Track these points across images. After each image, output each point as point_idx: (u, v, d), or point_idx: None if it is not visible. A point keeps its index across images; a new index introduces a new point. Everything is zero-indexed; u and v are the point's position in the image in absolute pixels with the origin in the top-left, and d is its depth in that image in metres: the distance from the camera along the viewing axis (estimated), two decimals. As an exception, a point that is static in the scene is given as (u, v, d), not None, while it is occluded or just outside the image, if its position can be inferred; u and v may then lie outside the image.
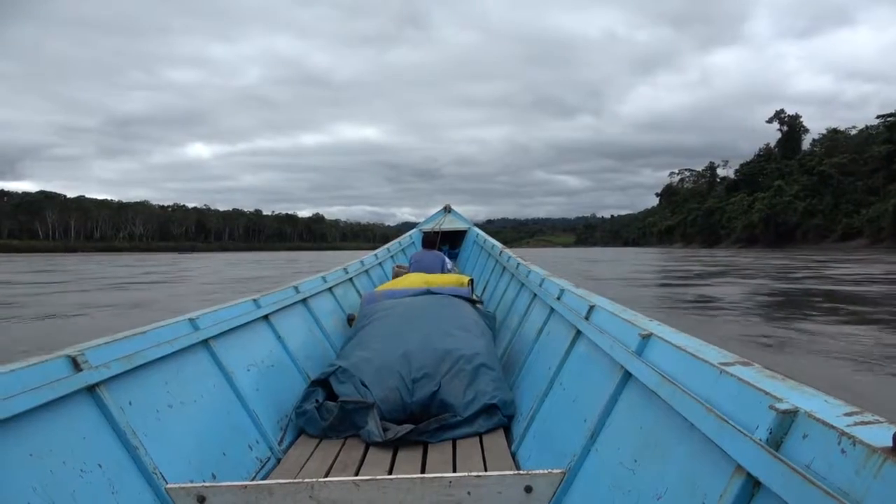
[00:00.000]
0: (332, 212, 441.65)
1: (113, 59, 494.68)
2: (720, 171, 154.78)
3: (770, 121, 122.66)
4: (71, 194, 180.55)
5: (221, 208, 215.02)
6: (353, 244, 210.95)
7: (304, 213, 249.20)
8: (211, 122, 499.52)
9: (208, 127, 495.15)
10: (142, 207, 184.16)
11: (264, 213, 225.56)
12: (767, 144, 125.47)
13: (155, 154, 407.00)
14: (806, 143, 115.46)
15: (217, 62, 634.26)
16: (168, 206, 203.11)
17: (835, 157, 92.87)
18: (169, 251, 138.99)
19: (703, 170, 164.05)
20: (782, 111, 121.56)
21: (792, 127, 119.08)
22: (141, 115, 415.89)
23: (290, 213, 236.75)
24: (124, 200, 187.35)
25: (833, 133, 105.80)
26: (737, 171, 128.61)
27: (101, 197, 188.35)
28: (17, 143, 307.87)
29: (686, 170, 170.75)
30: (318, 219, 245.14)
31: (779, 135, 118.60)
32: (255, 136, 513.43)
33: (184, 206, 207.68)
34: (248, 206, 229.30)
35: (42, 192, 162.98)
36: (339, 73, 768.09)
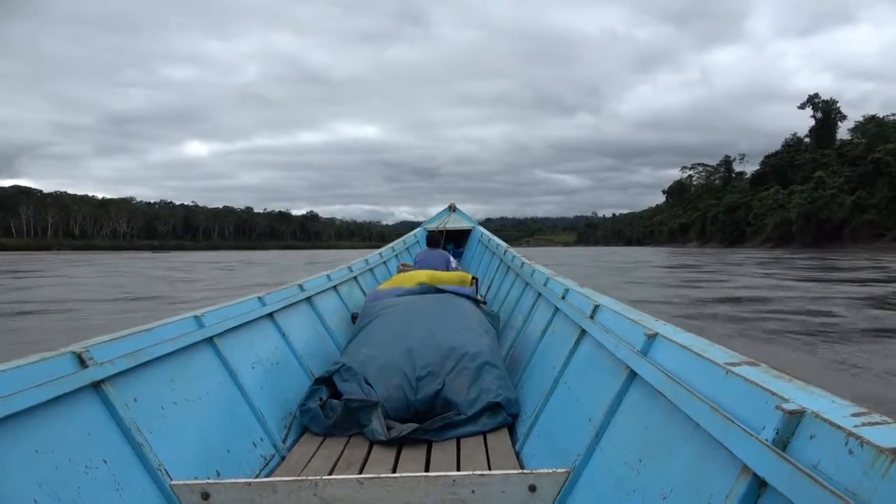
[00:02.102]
0: (330, 210, 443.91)
1: (110, 57, 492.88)
2: (736, 166, 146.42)
3: (802, 106, 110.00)
4: (71, 192, 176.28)
5: (219, 206, 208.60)
6: (349, 243, 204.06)
7: (301, 211, 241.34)
8: (209, 120, 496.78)
9: (206, 125, 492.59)
10: (126, 204, 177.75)
11: (257, 210, 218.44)
12: (794, 134, 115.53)
13: (153, 152, 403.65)
14: (842, 133, 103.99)
15: (215, 60, 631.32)
16: (155, 203, 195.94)
17: (890, 143, 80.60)
18: (153, 250, 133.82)
19: (717, 164, 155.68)
20: (816, 95, 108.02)
21: (826, 113, 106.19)
22: (138, 112, 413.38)
23: (282, 210, 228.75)
24: (123, 198, 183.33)
25: (871, 119, 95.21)
26: (762, 163, 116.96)
27: (98, 195, 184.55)
28: (13, 141, 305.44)
29: (699, 164, 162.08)
30: (312, 216, 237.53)
31: (811, 122, 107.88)
32: (254, 135, 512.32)
33: (171, 202, 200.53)
34: (246, 205, 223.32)
35: (16, 187, 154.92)
36: (337, 70, 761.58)
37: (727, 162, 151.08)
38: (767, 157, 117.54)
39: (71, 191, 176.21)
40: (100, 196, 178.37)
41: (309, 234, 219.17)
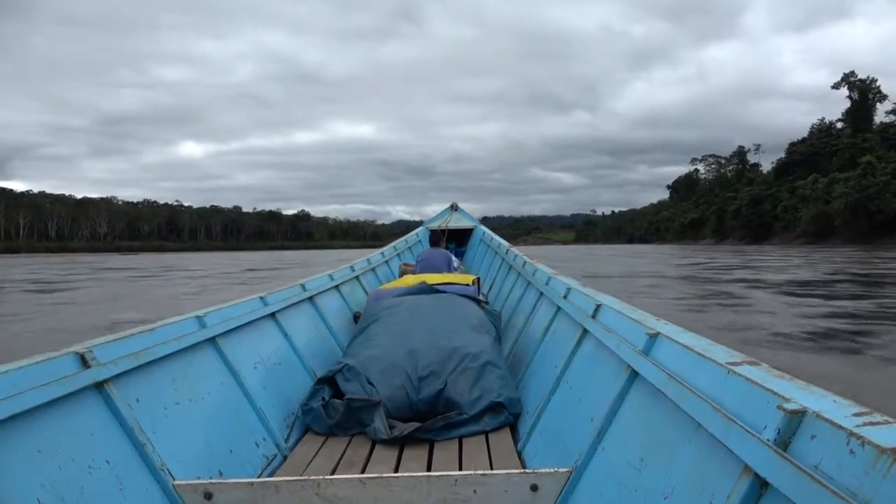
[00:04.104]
0: (327, 210, 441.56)
1: (101, 57, 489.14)
2: (751, 157, 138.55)
3: (836, 86, 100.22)
4: (66, 194, 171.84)
5: (206, 206, 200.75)
6: (343, 242, 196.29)
7: (296, 211, 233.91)
8: (203, 121, 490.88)
9: (200, 125, 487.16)
10: (105, 204, 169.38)
11: (249, 210, 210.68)
12: (823, 119, 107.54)
13: (147, 153, 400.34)
14: (879, 115, 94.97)
15: (208, 59, 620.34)
16: (138, 203, 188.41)
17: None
18: (122, 251, 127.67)
19: (729, 156, 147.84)
20: (852, 73, 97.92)
21: (863, 94, 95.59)
22: (131, 113, 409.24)
23: (272, 209, 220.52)
24: (103, 198, 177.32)
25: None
26: (788, 151, 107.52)
27: (90, 195, 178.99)
28: (5, 143, 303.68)
29: (710, 156, 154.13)
30: (303, 216, 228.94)
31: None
32: (248, 135, 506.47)
33: (155, 202, 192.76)
34: (243, 206, 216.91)
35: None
36: (332, 69, 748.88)
37: (741, 153, 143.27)
38: (793, 144, 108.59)
39: (65, 193, 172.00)
40: (79, 196, 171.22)
41: (300, 234, 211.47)
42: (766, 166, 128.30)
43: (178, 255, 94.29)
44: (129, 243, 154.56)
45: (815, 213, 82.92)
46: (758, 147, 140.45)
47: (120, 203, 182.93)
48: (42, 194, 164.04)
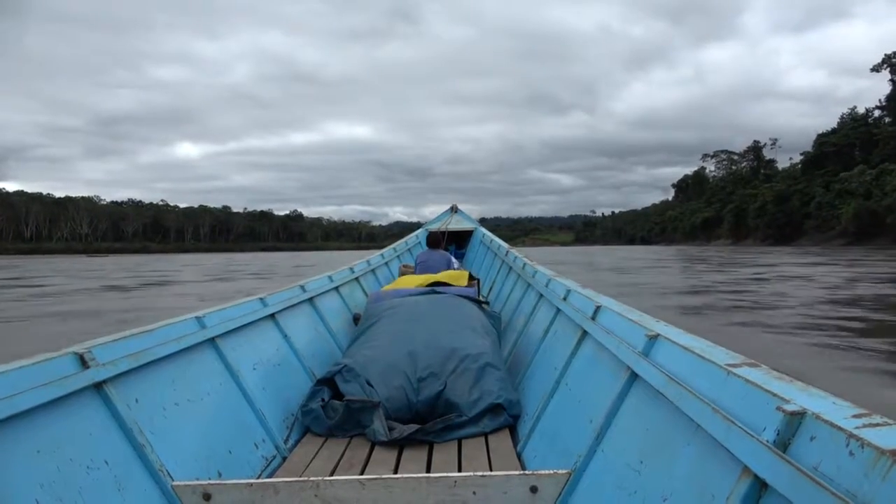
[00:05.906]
0: (323, 211, 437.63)
1: (97, 57, 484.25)
2: (766, 153, 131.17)
3: (876, 68, 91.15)
4: (44, 192, 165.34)
5: (194, 206, 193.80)
6: (336, 244, 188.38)
7: (289, 211, 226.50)
8: (199, 121, 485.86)
9: (196, 126, 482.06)
10: (86, 203, 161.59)
11: (238, 210, 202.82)
12: (853, 108, 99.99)
13: (143, 154, 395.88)
14: None
15: (204, 59, 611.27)
16: (122, 203, 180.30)
17: None
18: (114, 253, 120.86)
19: (743, 152, 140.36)
20: (894, 54, 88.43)
21: None
22: (127, 113, 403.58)
23: (264, 209, 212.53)
24: (84, 197, 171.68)
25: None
26: (817, 144, 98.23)
27: (77, 195, 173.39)
28: (0, 143, 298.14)
29: (721, 152, 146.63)
30: (296, 216, 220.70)
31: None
32: (245, 135, 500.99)
33: (140, 201, 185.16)
34: (239, 207, 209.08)
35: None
36: (329, 69, 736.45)
37: (756, 149, 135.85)
38: (822, 135, 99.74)
39: (61, 194, 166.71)
40: (36, 192, 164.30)
41: (292, 235, 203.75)
42: (782, 162, 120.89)
43: (139, 258, 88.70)
44: (111, 244, 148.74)
45: (858, 209, 75.00)
46: (774, 142, 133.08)
47: (104, 203, 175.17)
48: (18, 193, 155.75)
